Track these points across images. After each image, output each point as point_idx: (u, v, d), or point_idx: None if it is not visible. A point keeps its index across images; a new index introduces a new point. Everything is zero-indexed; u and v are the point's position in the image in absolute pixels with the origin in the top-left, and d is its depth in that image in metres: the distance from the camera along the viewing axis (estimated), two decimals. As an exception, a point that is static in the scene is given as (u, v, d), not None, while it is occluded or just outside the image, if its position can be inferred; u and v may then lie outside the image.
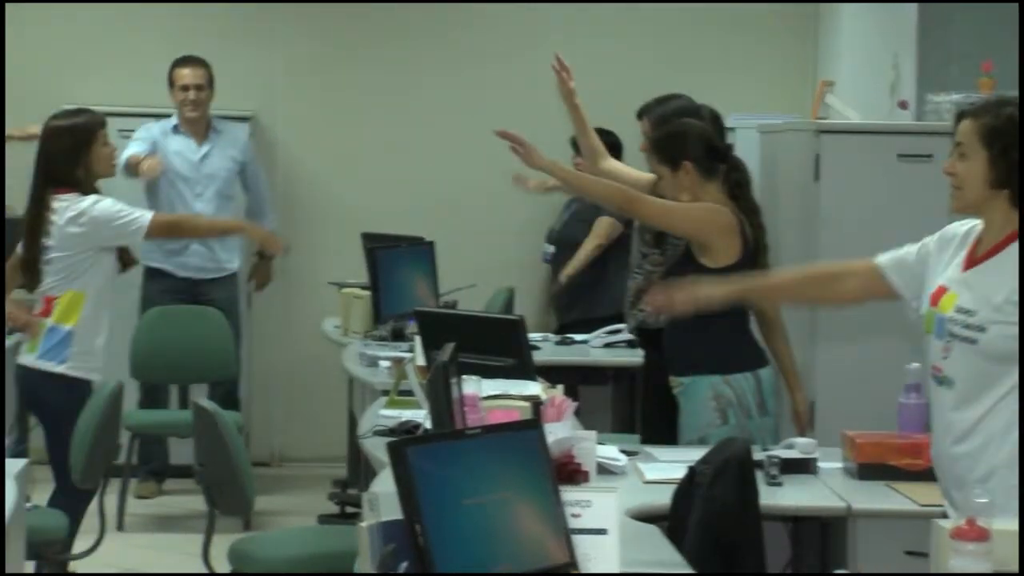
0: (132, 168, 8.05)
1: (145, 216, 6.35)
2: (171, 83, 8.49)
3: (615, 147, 8.09)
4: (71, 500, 5.99)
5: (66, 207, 6.19)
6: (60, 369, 6.17)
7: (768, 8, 9.29)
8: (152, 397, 8.33)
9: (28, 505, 4.91)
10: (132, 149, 8.16)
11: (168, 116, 8.58)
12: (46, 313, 6.22)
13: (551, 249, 8.81)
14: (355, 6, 9.30)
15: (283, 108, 9.34)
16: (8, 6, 8.45)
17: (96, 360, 6.26)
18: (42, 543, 5.45)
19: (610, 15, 9.30)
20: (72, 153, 6.25)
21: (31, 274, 6.22)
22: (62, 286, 6.21)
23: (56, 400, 6.15)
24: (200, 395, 7.39)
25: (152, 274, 8.39)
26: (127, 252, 6.46)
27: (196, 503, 6.98)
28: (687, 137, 5.59)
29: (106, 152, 6.34)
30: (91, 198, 6.23)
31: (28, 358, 6.22)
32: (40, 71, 9.03)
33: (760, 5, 9.29)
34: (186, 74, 8.46)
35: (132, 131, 8.59)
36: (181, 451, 8.05)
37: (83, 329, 6.21)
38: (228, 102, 8.75)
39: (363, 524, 3.24)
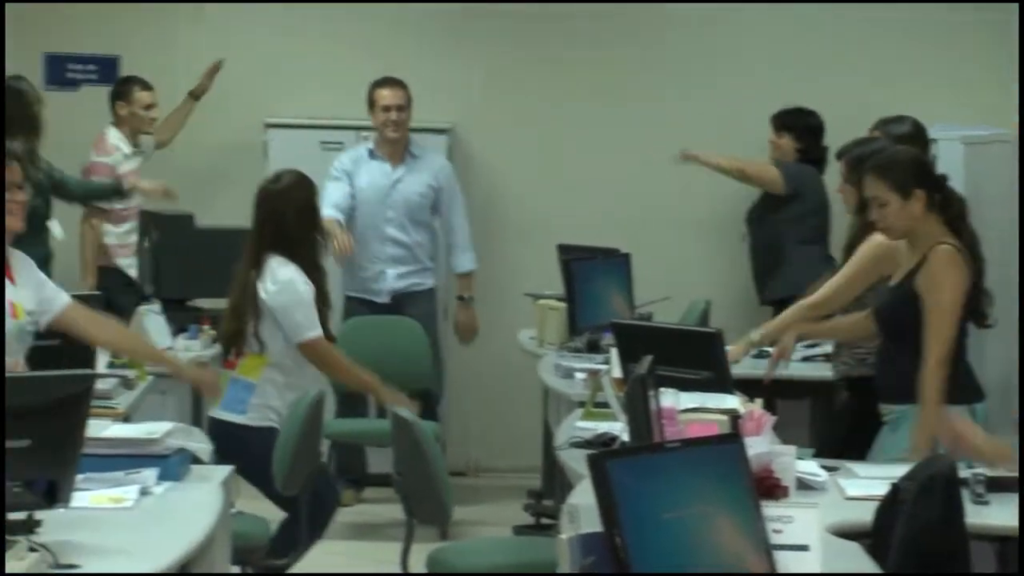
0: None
1: (307, 333, 6.25)
2: (371, 104, 8.52)
3: (816, 130, 8.10)
4: (297, 527, 6.04)
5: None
6: (241, 420, 6.18)
7: (966, 15, 9.11)
8: (351, 406, 8.41)
9: (232, 511, 4.99)
10: (327, 213, 7.82)
11: (367, 128, 8.66)
12: (231, 365, 6.28)
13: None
14: (555, 16, 9.31)
15: (481, 120, 9.36)
16: (211, 23, 8.62)
17: (274, 413, 6.23)
18: (246, 549, 5.54)
19: (809, 26, 9.20)
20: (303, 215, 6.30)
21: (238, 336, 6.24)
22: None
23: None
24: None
25: (350, 302, 8.48)
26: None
27: (394, 512, 7.03)
28: (921, 166, 5.52)
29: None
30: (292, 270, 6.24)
31: (212, 410, 6.27)
32: (243, 87, 9.17)
33: (958, 14, 9.11)
34: (387, 95, 8.48)
35: (334, 144, 8.70)
36: (379, 460, 8.13)
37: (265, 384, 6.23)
38: (426, 115, 8.80)
39: (563, 536, 3.24)
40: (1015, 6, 8.13)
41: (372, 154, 8.55)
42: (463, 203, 8.72)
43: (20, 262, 5.19)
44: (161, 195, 8.14)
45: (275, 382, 6.21)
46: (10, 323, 5.04)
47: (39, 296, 5.20)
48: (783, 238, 8.47)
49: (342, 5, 9.27)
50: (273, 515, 6.13)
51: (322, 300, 6.30)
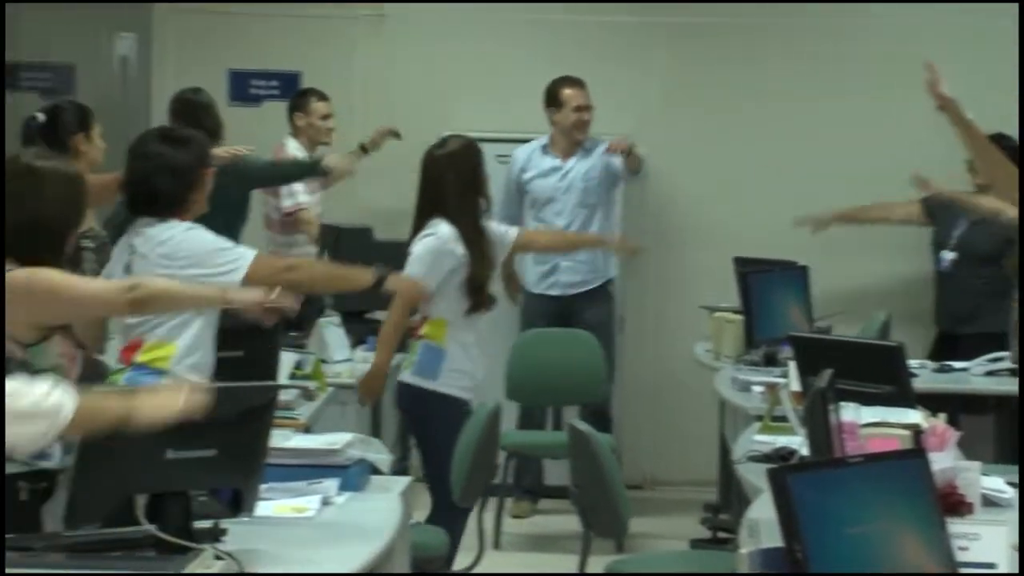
0: None
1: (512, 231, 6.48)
2: (558, 102, 8.54)
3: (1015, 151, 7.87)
4: (449, 517, 6.11)
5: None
6: (433, 386, 6.30)
7: None
8: (528, 418, 8.43)
9: (411, 522, 5.02)
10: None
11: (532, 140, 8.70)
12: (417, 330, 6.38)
13: (950, 256, 8.46)
14: (732, 27, 9.27)
15: (658, 129, 9.34)
16: (389, 37, 8.70)
17: (467, 379, 6.36)
18: (424, 559, 5.57)
19: (990, 24, 8.98)
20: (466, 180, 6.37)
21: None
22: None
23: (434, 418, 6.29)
24: (572, 416, 7.47)
25: (528, 297, 8.52)
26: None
27: (569, 523, 7.04)
28: None
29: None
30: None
31: (404, 374, 6.38)
32: (421, 100, 9.26)
33: None
34: (579, 95, 8.51)
35: (509, 157, 8.74)
36: (556, 472, 8.14)
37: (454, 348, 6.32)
38: (604, 126, 8.79)
39: (743, 550, 3.22)
40: None
41: (545, 150, 8.58)
42: (618, 197, 8.73)
43: None
44: (347, 172, 8.17)
45: (458, 341, 6.28)
46: None
47: None
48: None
49: (519, 17, 9.31)
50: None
51: (484, 265, 6.38)
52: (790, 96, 9.20)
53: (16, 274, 4.12)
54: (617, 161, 8.44)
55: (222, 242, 5.22)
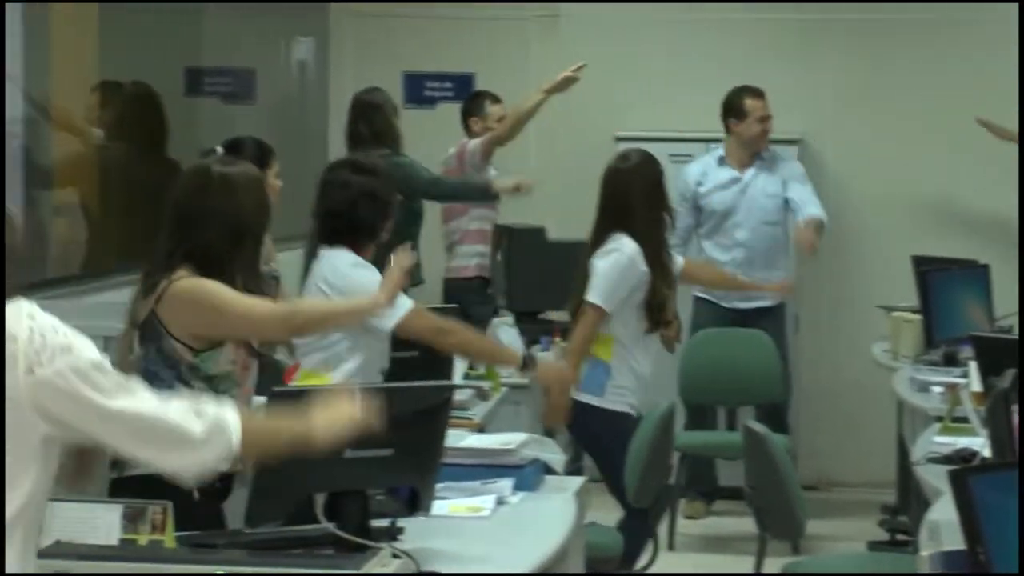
0: None
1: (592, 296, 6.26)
2: (740, 113, 8.46)
3: None
4: (638, 521, 6.08)
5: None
6: (598, 402, 6.23)
7: None
8: (699, 419, 8.38)
9: (585, 522, 5.01)
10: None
11: (715, 141, 8.63)
12: None
13: None
14: (905, 24, 9.15)
15: (832, 131, 9.25)
16: (563, 39, 8.70)
17: (632, 396, 6.29)
18: (598, 559, 5.56)
19: None
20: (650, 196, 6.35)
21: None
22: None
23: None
24: (747, 417, 7.41)
25: (699, 302, 8.46)
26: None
27: (744, 525, 6.99)
28: None
29: None
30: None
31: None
32: (594, 101, 9.25)
33: None
34: (761, 106, 8.43)
35: (683, 156, 8.69)
36: (729, 472, 8.08)
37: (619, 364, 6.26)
38: (777, 125, 8.71)
39: (923, 553, 3.17)
40: None
41: (721, 162, 8.52)
42: (808, 182, 8.57)
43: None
44: (514, 191, 8.15)
45: (626, 360, 6.24)
46: None
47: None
48: None
49: (691, 16, 9.28)
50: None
51: (667, 283, 6.31)
52: (967, 94, 9.03)
53: (183, 283, 4.18)
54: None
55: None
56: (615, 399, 6.23)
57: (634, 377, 6.25)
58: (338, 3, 9.61)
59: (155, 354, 4.20)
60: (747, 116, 8.42)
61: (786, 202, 8.48)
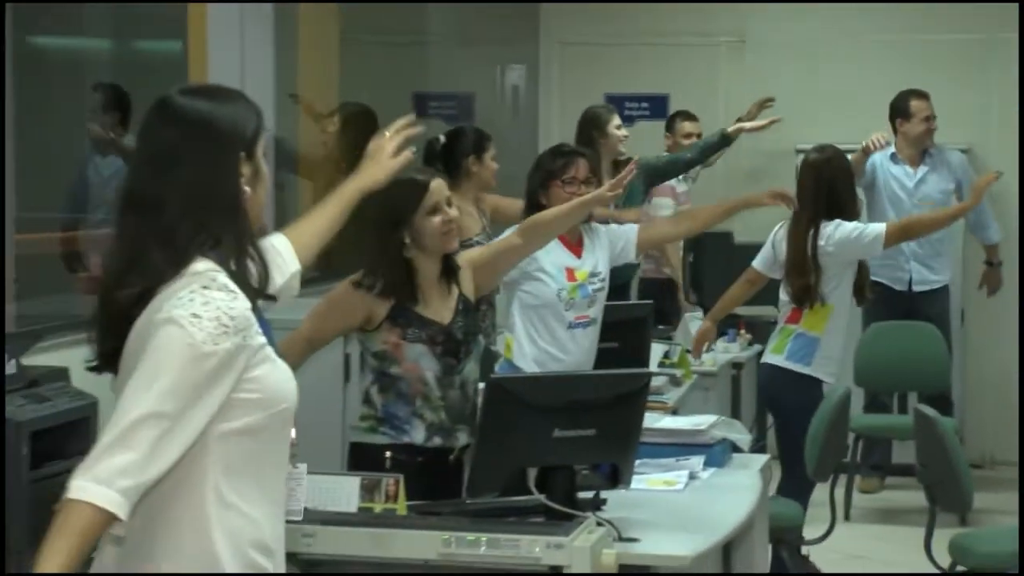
0: None
1: (879, 227, 6.26)
2: (906, 114, 8.32)
3: None
4: (798, 490, 6.02)
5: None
6: (806, 370, 6.18)
7: None
8: (874, 402, 8.26)
9: (769, 495, 4.97)
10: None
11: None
12: (794, 320, 6.27)
13: None
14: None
15: (999, 138, 9.05)
16: (749, 62, 8.61)
17: (835, 365, 6.24)
18: (780, 528, 5.51)
19: None
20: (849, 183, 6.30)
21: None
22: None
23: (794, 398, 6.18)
24: (916, 401, 7.28)
25: (873, 285, 8.32)
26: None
27: (915, 499, 6.86)
28: None
29: None
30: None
31: (775, 357, 6.28)
32: (777, 113, 9.16)
33: None
34: (926, 106, 8.29)
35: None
36: (901, 451, 7.96)
37: (829, 337, 6.21)
38: (945, 135, 8.55)
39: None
40: None
41: (895, 158, 8.38)
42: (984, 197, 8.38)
43: (593, 237, 5.32)
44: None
45: (838, 332, 6.18)
46: (567, 285, 5.17)
47: (599, 268, 5.30)
48: None
49: (866, 39, 9.16)
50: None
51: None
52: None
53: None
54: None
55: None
56: (821, 369, 6.18)
57: (841, 348, 6.24)
58: (547, 33, 9.64)
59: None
60: (912, 116, 8.30)
61: (955, 197, 8.30)
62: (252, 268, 2.54)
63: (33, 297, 5.33)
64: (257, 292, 2.56)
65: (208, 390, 2.40)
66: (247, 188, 2.53)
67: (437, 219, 4.23)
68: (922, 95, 8.34)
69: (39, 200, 5.65)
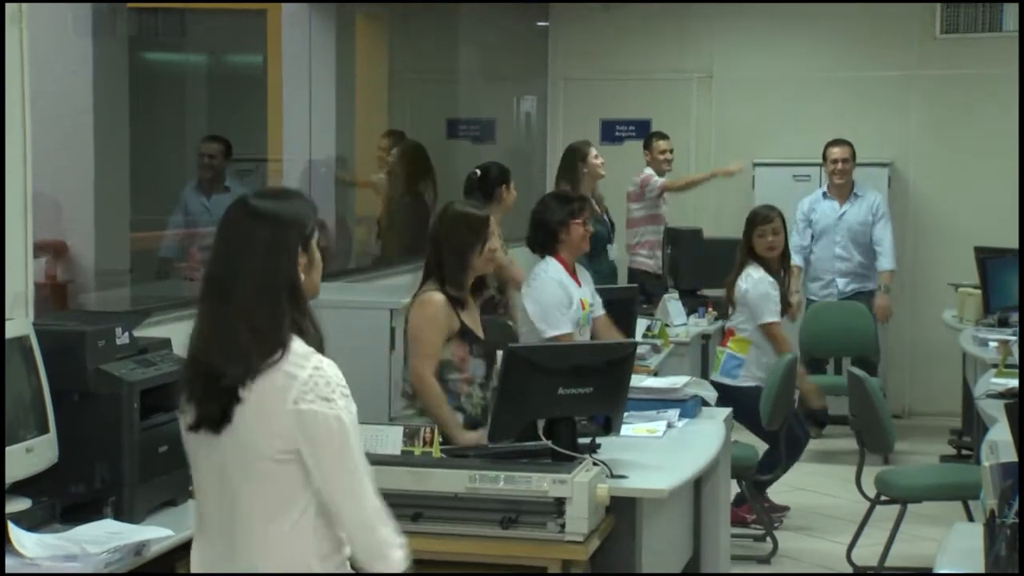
0: None
1: (774, 317, 6.04)
2: (824, 158, 8.28)
3: None
4: (777, 454, 5.95)
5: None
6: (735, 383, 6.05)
7: None
8: (815, 366, 8.22)
9: (732, 441, 4.93)
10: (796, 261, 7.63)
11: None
12: (724, 343, 6.19)
13: None
14: (970, 78, 8.84)
15: (914, 157, 9.01)
16: (715, 94, 8.55)
17: (761, 372, 6.07)
18: (740, 467, 5.48)
19: None
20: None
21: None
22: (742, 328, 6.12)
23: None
24: (849, 365, 7.24)
25: (810, 304, 8.24)
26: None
27: (848, 443, 6.84)
28: None
29: None
30: None
31: (715, 375, 6.16)
32: (739, 136, 9.15)
33: None
34: (836, 152, 8.21)
35: (803, 176, 8.56)
36: (836, 404, 7.91)
37: (751, 355, 6.09)
38: (873, 152, 8.50)
39: (986, 464, 3.03)
40: None
41: (825, 195, 8.32)
42: (890, 224, 8.31)
43: (581, 273, 5.29)
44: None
45: (760, 351, 6.08)
46: (581, 313, 5.14)
47: (592, 297, 5.28)
48: None
49: (813, 76, 9.12)
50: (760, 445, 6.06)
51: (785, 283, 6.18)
52: (1015, 131, 8.69)
53: (422, 297, 4.09)
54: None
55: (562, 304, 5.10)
56: (747, 379, 6.06)
57: (759, 366, 6.06)
58: (554, 71, 9.61)
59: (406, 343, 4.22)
60: (826, 160, 8.23)
61: (872, 228, 8.24)
62: (309, 338, 2.46)
63: (144, 283, 5.33)
64: None
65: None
66: (303, 275, 2.45)
67: (487, 246, 4.17)
68: (838, 143, 8.19)
69: (149, 204, 5.64)
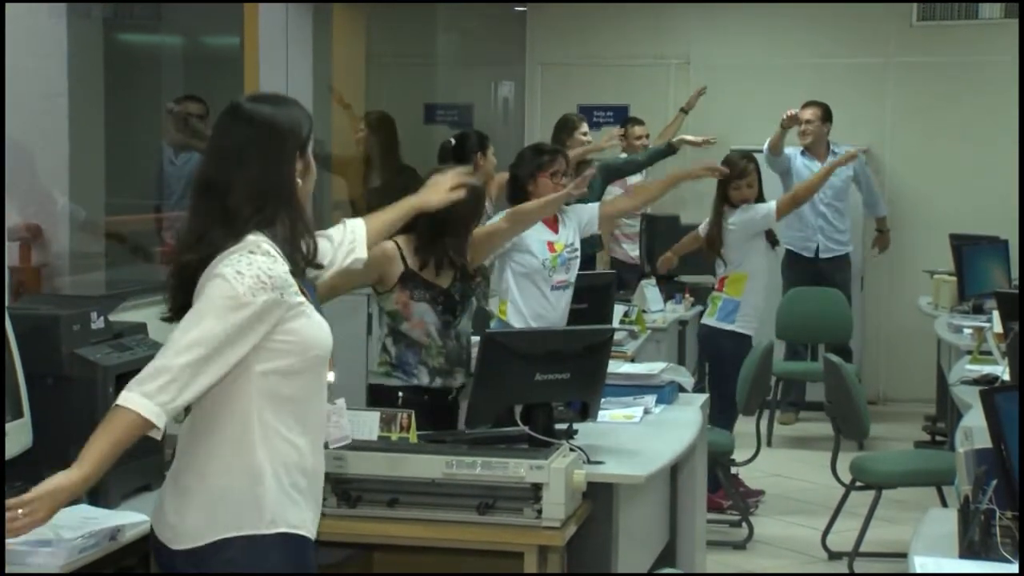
0: None
1: (771, 203, 6.16)
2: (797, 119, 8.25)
3: None
4: (726, 420, 5.98)
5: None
6: (731, 327, 6.15)
7: None
8: (792, 352, 8.26)
9: (708, 427, 4.94)
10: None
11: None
12: (719, 288, 6.23)
13: None
14: (944, 66, 8.88)
15: (891, 142, 9.04)
16: (692, 80, 8.55)
17: (755, 320, 6.19)
18: (716, 453, 5.49)
19: None
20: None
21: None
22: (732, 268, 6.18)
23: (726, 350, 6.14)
24: (826, 351, 7.27)
25: (789, 255, 8.28)
26: (772, 235, 6.33)
27: (823, 429, 6.86)
28: None
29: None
30: None
31: (709, 320, 6.25)
32: (714, 121, 9.14)
33: None
34: (803, 113, 8.11)
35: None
36: (813, 391, 7.96)
37: (747, 298, 6.17)
38: (850, 137, 8.51)
39: (960, 450, 3.05)
40: None
41: (804, 154, 8.32)
42: (874, 182, 8.40)
43: (571, 212, 5.23)
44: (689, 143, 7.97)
45: (755, 294, 6.12)
46: (549, 255, 5.09)
47: (573, 238, 5.22)
48: None
49: (789, 62, 9.13)
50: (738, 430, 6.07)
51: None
52: (992, 116, 8.75)
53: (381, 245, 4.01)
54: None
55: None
56: (743, 324, 6.12)
57: (761, 302, 6.17)
58: (531, 56, 9.59)
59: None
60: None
61: (854, 183, 8.29)
62: (303, 244, 2.52)
63: (119, 267, 5.30)
64: (307, 261, 2.56)
65: (242, 334, 2.43)
66: (299, 180, 2.50)
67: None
68: (808, 104, 8.18)
69: (124, 186, 5.60)
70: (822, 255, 8.28)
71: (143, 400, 2.38)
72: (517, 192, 5.08)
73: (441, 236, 4.13)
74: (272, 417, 2.49)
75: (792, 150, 8.36)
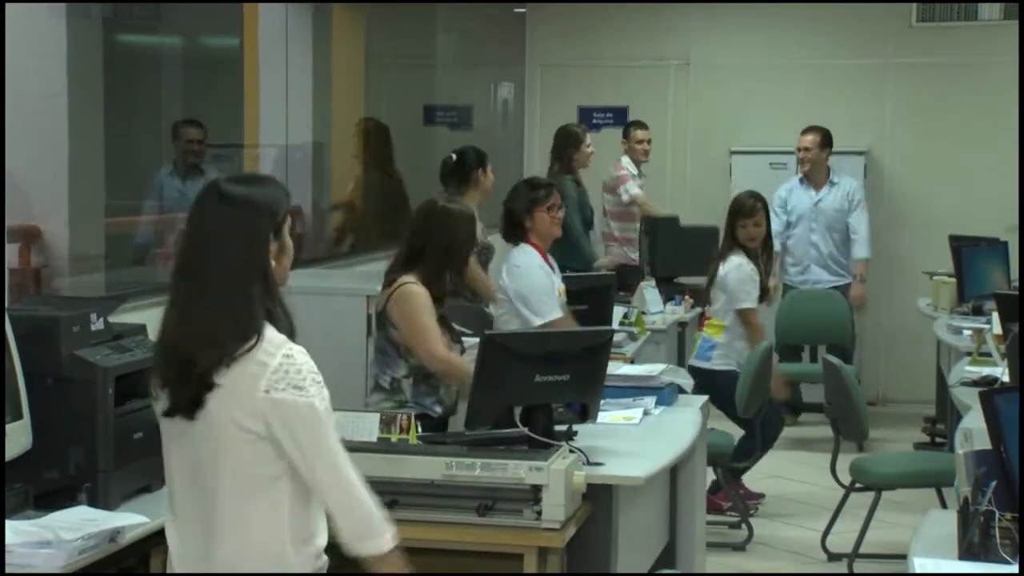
0: None
1: (750, 304, 6.08)
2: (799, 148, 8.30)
3: None
4: (753, 441, 5.97)
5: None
6: (707, 365, 6.09)
7: None
8: (791, 354, 8.25)
9: (708, 428, 4.94)
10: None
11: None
12: (701, 327, 6.24)
13: None
14: (945, 66, 8.88)
15: (890, 144, 9.04)
16: (692, 82, 8.56)
17: (735, 356, 6.12)
18: (716, 454, 5.50)
19: None
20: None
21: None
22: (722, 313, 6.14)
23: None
24: (824, 353, 7.27)
25: (786, 288, 8.26)
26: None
27: (823, 431, 6.86)
28: None
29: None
30: None
31: (691, 360, 6.23)
32: (715, 125, 9.16)
33: None
34: (801, 140, 8.17)
35: (779, 164, 8.57)
36: (812, 392, 7.95)
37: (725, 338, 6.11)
38: (850, 140, 8.52)
39: (960, 452, 3.05)
40: None
41: (801, 182, 8.34)
42: (866, 212, 8.34)
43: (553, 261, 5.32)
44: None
45: (733, 335, 6.09)
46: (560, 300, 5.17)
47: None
48: None
49: (788, 63, 9.12)
50: (736, 432, 6.07)
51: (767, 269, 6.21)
52: (992, 117, 8.76)
53: (404, 288, 4.10)
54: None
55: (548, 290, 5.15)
56: (723, 362, 6.09)
57: (736, 350, 6.10)
58: (531, 58, 9.59)
59: (384, 335, 4.20)
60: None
61: (848, 216, 8.28)
62: (280, 325, 2.47)
63: (119, 268, 5.30)
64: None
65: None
66: (273, 261, 2.46)
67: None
68: (807, 130, 8.19)
69: (123, 188, 5.60)
70: (816, 287, 8.24)
71: (389, 535, 2.54)
72: (514, 227, 5.12)
73: (445, 268, 4.16)
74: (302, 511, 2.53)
75: (794, 181, 8.37)
